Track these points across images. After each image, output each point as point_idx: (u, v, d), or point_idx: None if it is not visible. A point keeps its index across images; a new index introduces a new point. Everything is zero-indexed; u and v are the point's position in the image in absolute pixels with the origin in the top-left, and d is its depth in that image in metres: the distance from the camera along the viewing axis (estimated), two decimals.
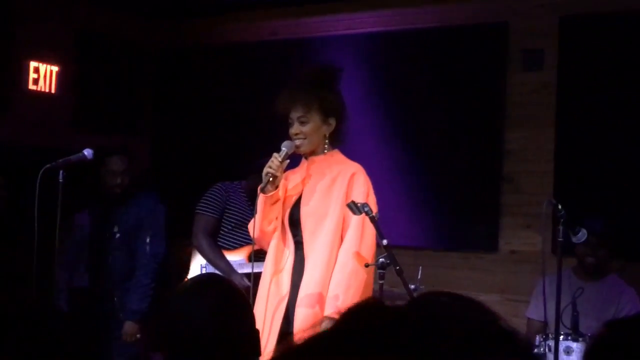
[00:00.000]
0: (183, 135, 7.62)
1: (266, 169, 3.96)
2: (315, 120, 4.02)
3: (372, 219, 3.76)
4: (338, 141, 4.13)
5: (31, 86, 6.90)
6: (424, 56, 6.56)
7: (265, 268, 4.08)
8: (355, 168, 4.04)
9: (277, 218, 4.07)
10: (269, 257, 4.08)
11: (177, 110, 7.73)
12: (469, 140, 6.32)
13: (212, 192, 5.64)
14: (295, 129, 4.02)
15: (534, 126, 6.12)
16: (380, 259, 3.72)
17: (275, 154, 3.98)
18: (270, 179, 3.94)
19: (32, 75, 6.91)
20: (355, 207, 3.79)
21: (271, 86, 7.17)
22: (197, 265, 5.74)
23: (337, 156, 4.10)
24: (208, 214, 5.57)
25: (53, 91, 7.04)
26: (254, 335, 2.32)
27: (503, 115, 6.23)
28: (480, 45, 6.34)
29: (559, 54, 6.03)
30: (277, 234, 4.08)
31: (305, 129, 4.01)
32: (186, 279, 5.83)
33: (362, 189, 3.96)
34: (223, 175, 5.89)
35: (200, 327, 2.20)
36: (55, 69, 7.04)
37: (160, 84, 7.89)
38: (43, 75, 6.97)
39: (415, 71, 6.57)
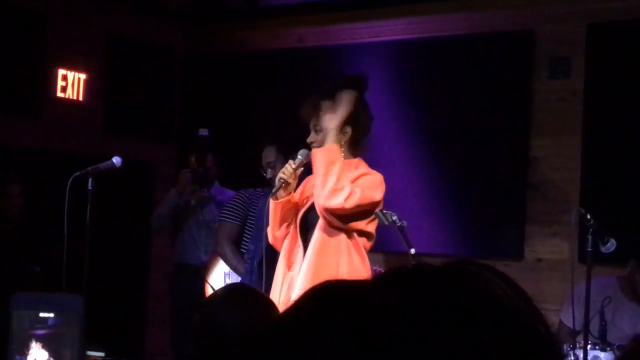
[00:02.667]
0: (210, 141, 7.64)
1: (279, 175, 3.99)
2: (331, 131, 3.98)
3: (400, 228, 3.77)
4: (358, 149, 4.10)
5: (59, 94, 6.96)
6: (450, 64, 6.56)
7: (277, 269, 4.11)
8: (366, 169, 4.03)
9: (288, 224, 4.08)
10: (281, 259, 4.11)
11: (205, 116, 7.77)
12: (496, 147, 6.31)
13: (235, 200, 5.69)
14: (311, 137, 4.02)
15: (560, 134, 6.11)
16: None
17: (290, 161, 4.00)
18: (283, 184, 3.96)
19: (60, 83, 6.97)
20: (382, 216, 3.81)
21: (298, 93, 7.24)
22: (221, 272, 5.78)
23: (357, 165, 4.06)
24: (231, 221, 5.61)
25: (81, 99, 7.10)
26: None
27: (530, 122, 6.22)
28: (507, 52, 6.34)
29: (586, 61, 6.02)
30: (289, 236, 4.10)
31: (320, 137, 3.99)
32: (206, 285, 5.87)
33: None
34: (249, 182, 5.92)
35: (234, 337, 2.21)
36: (82, 76, 7.10)
37: (189, 90, 7.94)
38: (71, 83, 7.03)
39: (441, 79, 6.57)
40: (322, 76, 7.06)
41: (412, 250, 3.71)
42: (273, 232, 4.06)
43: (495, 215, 6.27)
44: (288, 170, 3.97)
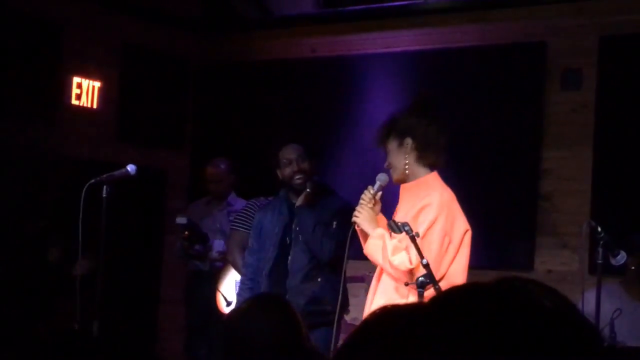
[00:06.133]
0: (223, 150, 7.70)
1: (360, 202, 3.94)
2: (392, 146, 3.96)
3: (412, 238, 3.79)
4: (429, 160, 3.99)
5: (74, 101, 7.01)
6: (462, 75, 6.59)
7: (371, 287, 4.14)
8: (430, 199, 3.90)
9: None
10: (375, 277, 4.11)
11: (217, 125, 7.82)
12: (507, 158, 6.34)
13: (246, 209, 5.75)
14: (386, 162, 4.02)
15: (571, 145, 6.13)
16: (420, 278, 3.74)
17: (369, 187, 3.98)
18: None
19: (75, 91, 7.02)
20: (395, 226, 3.82)
21: (310, 102, 7.30)
22: (232, 281, 5.81)
23: (430, 182, 3.98)
24: (242, 229, 5.65)
25: (95, 106, 7.15)
26: (313, 357, 2.33)
27: (541, 134, 6.24)
28: (519, 64, 6.36)
29: (598, 74, 6.04)
30: None
31: (390, 158, 3.98)
32: (218, 293, 5.91)
33: (423, 225, 3.82)
34: (261, 190, 5.95)
35: (261, 347, 2.20)
36: (97, 84, 7.16)
37: (202, 99, 7.99)
38: (85, 91, 7.08)
39: (453, 90, 6.59)
40: (334, 86, 7.13)
41: (424, 261, 3.72)
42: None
43: (506, 226, 6.29)
44: (367, 195, 3.94)
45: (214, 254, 6.16)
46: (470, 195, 6.45)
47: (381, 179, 3.98)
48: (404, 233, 3.75)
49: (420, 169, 3.98)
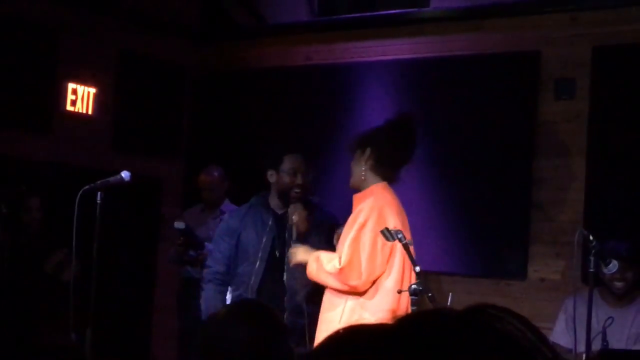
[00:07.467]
0: (218, 157, 7.72)
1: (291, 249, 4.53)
2: (357, 154, 4.28)
3: (405, 246, 3.82)
4: (383, 172, 4.27)
5: (69, 107, 7.01)
6: (455, 83, 6.62)
7: None
8: (363, 205, 4.17)
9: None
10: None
11: (212, 132, 7.83)
12: (500, 167, 6.36)
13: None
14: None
15: (564, 155, 6.15)
16: (413, 286, 3.77)
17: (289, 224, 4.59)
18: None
19: (70, 97, 7.03)
20: (388, 234, 3.85)
21: (305, 110, 7.32)
22: None
23: (375, 190, 4.21)
24: None
25: (90, 112, 7.15)
26: None
27: (534, 143, 6.26)
28: (512, 73, 6.39)
29: (591, 83, 6.07)
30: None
31: (352, 164, 4.34)
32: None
33: (355, 228, 4.10)
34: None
35: (236, 354, 2.18)
36: (92, 90, 7.16)
37: (197, 106, 8.00)
38: (81, 97, 7.08)
39: (446, 98, 6.62)
40: (329, 94, 7.15)
41: (417, 269, 3.75)
42: None
43: (499, 234, 6.31)
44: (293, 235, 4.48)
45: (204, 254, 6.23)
46: (463, 203, 6.49)
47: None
48: (396, 241, 3.79)
49: (374, 178, 4.24)
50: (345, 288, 4.09)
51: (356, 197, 4.27)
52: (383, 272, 4.12)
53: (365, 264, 4.03)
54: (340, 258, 4.09)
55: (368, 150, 4.21)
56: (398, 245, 3.97)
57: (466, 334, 0.79)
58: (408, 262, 3.99)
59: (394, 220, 4.13)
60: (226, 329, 2.25)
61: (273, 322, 2.36)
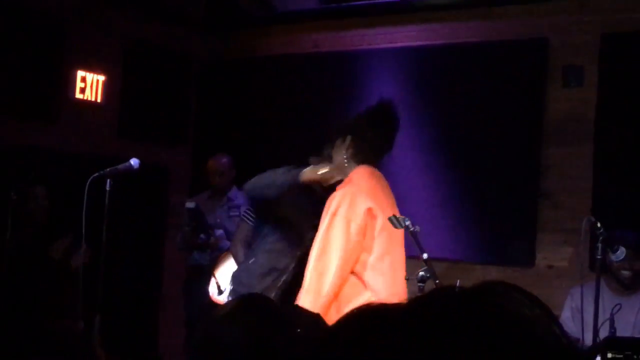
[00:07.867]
0: (225, 145, 7.73)
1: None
2: (338, 142, 4.22)
3: (412, 234, 3.81)
4: (363, 159, 4.18)
5: (78, 95, 7.03)
6: (463, 71, 6.61)
7: None
8: (337, 193, 4.07)
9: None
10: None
11: (219, 121, 7.84)
12: (508, 155, 6.35)
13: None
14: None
15: (573, 142, 6.14)
16: (421, 273, 3.76)
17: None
18: None
19: (79, 85, 7.04)
20: (396, 221, 3.85)
21: (313, 98, 7.31)
22: (228, 270, 5.78)
23: (353, 177, 4.13)
24: (251, 222, 5.62)
25: (99, 100, 7.17)
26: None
27: (542, 131, 6.25)
28: (520, 60, 6.37)
29: (600, 70, 6.05)
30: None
31: (333, 152, 4.28)
32: (213, 277, 5.91)
33: (327, 217, 3.99)
34: None
35: (231, 353, 2.07)
36: (101, 78, 7.17)
37: (204, 94, 8.01)
38: (90, 85, 7.09)
39: (454, 86, 6.61)
40: (337, 81, 7.14)
41: (425, 256, 3.75)
42: None
43: (507, 222, 6.31)
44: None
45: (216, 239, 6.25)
46: (471, 191, 6.49)
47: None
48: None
49: (354, 165, 4.18)
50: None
51: (338, 187, 4.19)
52: (366, 251, 4.05)
53: (342, 252, 3.95)
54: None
55: (348, 138, 4.16)
56: (387, 226, 3.95)
57: (473, 311, 0.80)
58: (396, 242, 4.01)
59: (366, 198, 4.02)
60: (221, 327, 2.16)
61: (273, 318, 2.25)
